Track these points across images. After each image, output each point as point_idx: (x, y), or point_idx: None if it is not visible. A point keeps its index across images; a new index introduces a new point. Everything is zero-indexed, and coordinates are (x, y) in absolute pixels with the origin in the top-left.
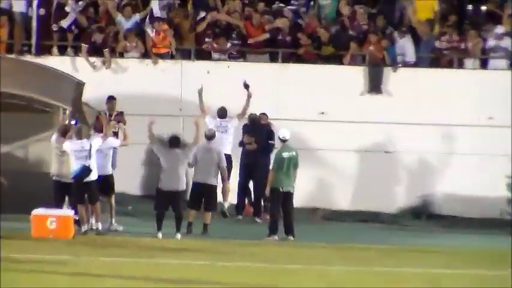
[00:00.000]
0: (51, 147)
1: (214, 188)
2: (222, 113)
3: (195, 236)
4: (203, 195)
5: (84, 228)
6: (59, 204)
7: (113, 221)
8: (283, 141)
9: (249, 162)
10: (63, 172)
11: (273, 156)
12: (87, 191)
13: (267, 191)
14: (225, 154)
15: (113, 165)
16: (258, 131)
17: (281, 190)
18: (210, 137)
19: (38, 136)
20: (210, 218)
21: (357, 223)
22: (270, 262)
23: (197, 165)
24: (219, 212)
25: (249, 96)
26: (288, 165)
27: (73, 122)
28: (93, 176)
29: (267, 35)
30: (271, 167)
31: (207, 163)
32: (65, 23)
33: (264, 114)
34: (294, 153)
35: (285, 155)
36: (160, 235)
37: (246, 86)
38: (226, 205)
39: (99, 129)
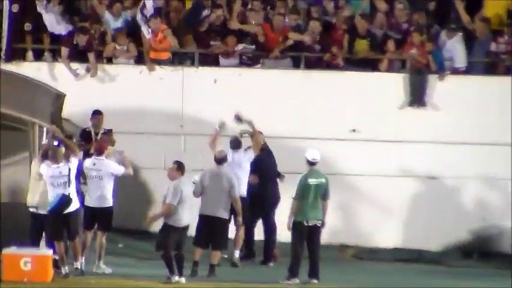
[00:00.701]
0: (32, 172)
1: (225, 222)
2: (236, 145)
3: (200, 279)
4: (211, 230)
5: (65, 270)
6: (35, 242)
7: (101, 263)
8: (312, 164)
9: (256, 196)
10: (44, 202)
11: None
12: (65, 225)
13: (289, 225)
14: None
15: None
16: (272, 159)
17: (305, 224)
18: (220, 160)
19: (9, 159)
20: (219, 258)
21: (394, 263)
22: None
23: (204, 195)
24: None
25: (249, 123)
26: (316, 194)
27: (55, 143)
28: (73, 207)
29: (290, 42)
30: (293, 197)
31: (216, 192)
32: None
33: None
34: (323, 179)
35: (312, 181)
36: (182, 279)
37: (238, 119)
38: (237, 253)
39: (98, 150)
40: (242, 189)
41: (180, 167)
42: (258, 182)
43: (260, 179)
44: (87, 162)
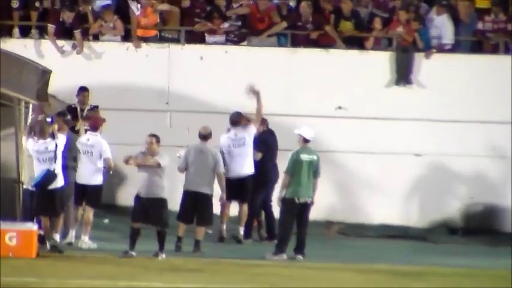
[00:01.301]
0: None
1: (209, 197)
2: (236, 120)
3: (185, 255)
4: (195, 206)
5: (50, 245)
6: (28, 217)
7: (87, 238)
8: (307, 141)
9: (257, 175)
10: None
11: None
12: (51, 201)
13: (279, 199)
14: (247, 175)
15: None
16: (274, 139)
17: (297, 201)
18: (204, 136)
19: None
20: (203, 233)
21: (380, 239)
22: (275, 286)
23: (188, 171)
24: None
25: (257, 93)
26: (308, 171)
27: (48, 120)
28: (59, 184)
29: (284, 25)
30: (284, 171)
31: (200, 168)
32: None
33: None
34: (315, 157)
35: (304, 157)
36: (133, 253)
37: (251, 89)
38: (241, 230)
39: (93, 126)
40: (249, 167)
41: (158, 140)
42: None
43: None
44: (82, 138)
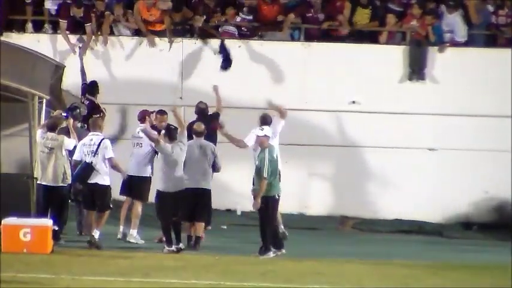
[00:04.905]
0: (38, 144)
1: (209, 193)
2: (266, 121)
3: (199, 251)
4: (196, 202)
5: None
6: (43, 213)
7: (135, 232)
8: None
9: None
10: (48, 174)
11: None
12: (94, 197)
13: (258, 204)
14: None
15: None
16: None
17: (277, 197)
18: (199, 132)
19: (8, 130)
20: (203, 229)
21: (395, 234)
22: (288, 282)
23: (186, 167)
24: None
25: (276, 108)
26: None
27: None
28: (102, 180)
29: (291, 17)
30: (265, 172)
31: (199, 163)
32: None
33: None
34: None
35: (276, 156)
36: (173, 248)
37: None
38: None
39: (141, 119)
40: None
41: (166, 134)
42: None
43: None
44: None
